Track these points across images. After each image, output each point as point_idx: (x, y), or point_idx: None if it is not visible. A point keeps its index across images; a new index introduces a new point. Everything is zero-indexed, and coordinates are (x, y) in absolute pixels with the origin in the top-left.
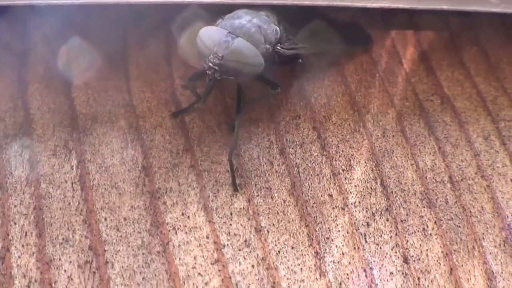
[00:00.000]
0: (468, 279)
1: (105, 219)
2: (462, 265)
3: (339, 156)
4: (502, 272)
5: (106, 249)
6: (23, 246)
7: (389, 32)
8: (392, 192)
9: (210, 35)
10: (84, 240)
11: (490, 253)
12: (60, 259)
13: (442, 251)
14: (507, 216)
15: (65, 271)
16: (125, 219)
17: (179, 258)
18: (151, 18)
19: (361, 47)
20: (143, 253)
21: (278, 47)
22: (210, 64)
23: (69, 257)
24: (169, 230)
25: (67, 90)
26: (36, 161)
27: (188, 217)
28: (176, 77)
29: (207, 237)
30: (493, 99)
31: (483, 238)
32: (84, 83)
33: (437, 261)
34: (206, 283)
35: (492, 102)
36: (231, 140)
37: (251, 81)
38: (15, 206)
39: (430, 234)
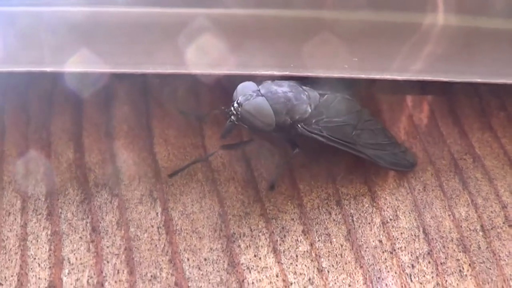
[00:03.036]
0: None
1: (188, 259)
2: None
3: (387, 207)
4: None
5: (189, 285)
6: (116, 282)
7: (426, 98)
8: (432, 238)
9: (243, 88)
10: (170, 277)
11: None
12: None
13: None
14: None
15: None
16: (205, 259)
17: None
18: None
19: (400, 169)
20: None
21: (299, 125)
22: (231, 108)
23: None
24: (244, 270)
25: (149, 145)
26: (124, 207)
27: (260, 258)
28: (244, 136)
29: (277, 276)
30: None
31: (511, 279)
32: (164, 140)
33: None
34: None
35: None
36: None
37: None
38: (107, 247)
39: (466, 275)
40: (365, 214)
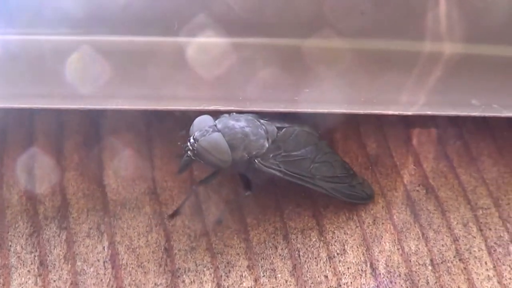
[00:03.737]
0: None
1: None
2: None
3: (335, 241)
4: None
5: None
6: None
7: (382, 128)
8: (380, 273)
9: (200, 122)
10: None
11: None
12: None
13: None
14: None
15: None
16: None
17: None
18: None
19: (358, 202)
20: None
21: (256, 161)
22: (188, 143)
23: None
24: None
25: (99, 178)
26: (72, 241)
27: None
28: (194, 169)
29: None
30: (473, 189)
31: None
32: (114, 172)
33: None
34: None
35: (472, 192)
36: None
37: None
38: (54, 281)
39: None
40: (312, 249)
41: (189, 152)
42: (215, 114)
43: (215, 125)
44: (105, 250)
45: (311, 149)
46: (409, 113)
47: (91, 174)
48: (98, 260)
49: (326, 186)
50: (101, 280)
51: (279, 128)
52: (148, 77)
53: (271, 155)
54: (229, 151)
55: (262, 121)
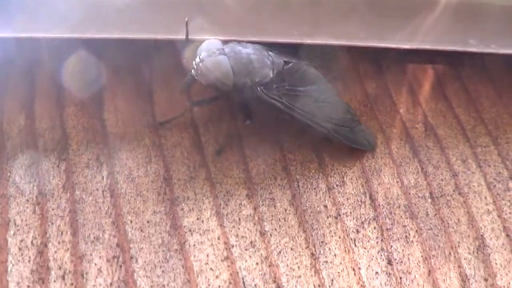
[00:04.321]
0: (444, 280)
1: (131, 221)
2: (439, 268)
3: (334, 173)
4: (475, 275)
5: (131, 246)
6: (59, 242)
7: (382, 68)
8: (379, 204)
9: (208, 44)
10: (112, 238)
11: (464, 259)
12: (91, 254)
13: (422, 256)
14: (481, 228)
15: (95, 264)
16: (148, 222)
17: (194, 255)
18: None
19: (358, 147)
20: (163, 251)
21: (259, 89)
22: (194, 62)
23: (99, 252)
24: (186, 232)
25: (99, 113)
26: (71, 171)
27: (202, 221)
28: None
29: (218, 238)
30: (472, 128)
31: (459, 246)
32: (114, 108)
33: (417, 264)
34: (216, 277)
35: (471, 131)
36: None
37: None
38: (53, 209)
39: (412, 241)
40: (311, 180)
41: (192, 71)
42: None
43: (223, 49)
44: (104, 179)
45: (316, 88)
46: (407, 46)
47: (91, 109)
48: (97, 189)
49: (328, 126)
50: (100, 208)
51: (286, 62)
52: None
53: (274, 86)
54: (231, 75)
55: (270, 52)
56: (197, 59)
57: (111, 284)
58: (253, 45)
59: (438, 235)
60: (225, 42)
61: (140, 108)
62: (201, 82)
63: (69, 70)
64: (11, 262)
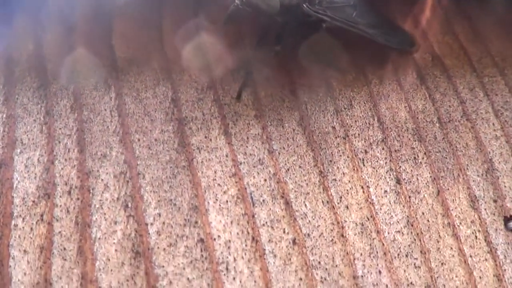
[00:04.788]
0: (453, 200)
1: (138, 139)
2: (448, 189)
3: (342, 97)
4: (484, 197)
5: (138, 163)
6: (66, 160)
7: (390, 4)
8: (387, 127)
9: None
10: (120, 155)
11: (473, 181)
12: (98, 171)
13: (430, 176)
14: (489, 152)
15: (102, 180)
16: (155, 140)
17: (202, 172)
18: None
19: (401, 48)
20: (171, 167)
21: (305, 5)
22: None
23: (106, 169)
24: (194, 150)
25: (107, 39)
26: (79, 93)
27: (211, 139)
28: (200, 31)
29: (226, 156)
30: (478, 59)
31: (467, 168)
32: (122, 35)
33: (426, 184)
34: (224, 192)
35: (478, 62)
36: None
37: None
38: (60, 128)
39: (420, 163)
40: (319, 103)
41: (236, 0)
42: None
43: None
44: (112, 100)
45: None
46: None
47: (100, 37)
48: (105, 110)
49: (371, 31)
50: (107, 127)
51: None
52: None
53: (316, 1)
54: None
55: None
56: None
57: (117, 198)
58: None
59: (446, 158)
60: None
61: (148, 34)
62: (246, 10)
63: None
64: (16, 179)
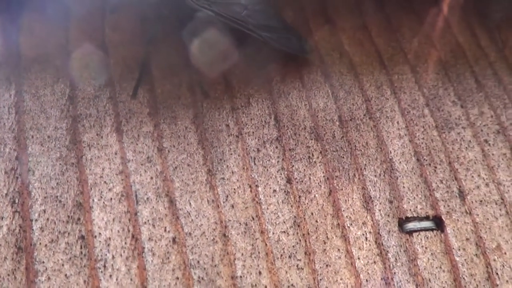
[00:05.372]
0: (346, 200)
1: (32, 136)
2: (342, 189)
3: (240, 95)
4: (379, 198)
5: (30, 159)
6: None
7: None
8: (284, 126)
9: None
10: (12, 152)
11: (369, 181)
12: None
13: (324, 176)
14: (390, 152)
15: None
16: (48, 137)
17: (90, 169)
18: None
19: (295, 53)
20: (60, 164)
21: None
22: None
23: None
24: (84, 147)
25: (15, 35)
26: None
27: (102, 137)
28: (105, 27)
29: (116, 153)
30: (390, 57)
31: (365, 168)
32: (29, 31)
33: (318, 183)
34: (109, 189)
35: (389, 59)
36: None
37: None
38: None
39: (315, 162)
40: (216, 101)
41: None
42: None
43: None
44: (11, 97)
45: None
46: None
47: (6, 32)
48: (4, 107)
49: (262, 33)
50: (4, 124)
51: None
52: None
53: None
54: None
55: None
56: None
57: (6, 194)
58: None
59: (343, 157)
60: None
61: (55, 32)
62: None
63: None
64: None
